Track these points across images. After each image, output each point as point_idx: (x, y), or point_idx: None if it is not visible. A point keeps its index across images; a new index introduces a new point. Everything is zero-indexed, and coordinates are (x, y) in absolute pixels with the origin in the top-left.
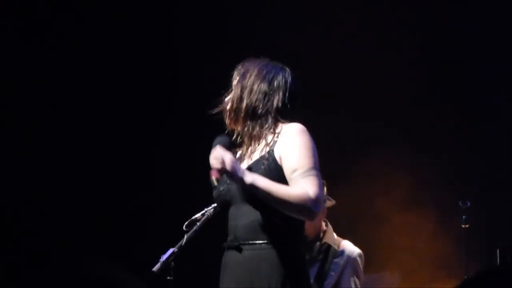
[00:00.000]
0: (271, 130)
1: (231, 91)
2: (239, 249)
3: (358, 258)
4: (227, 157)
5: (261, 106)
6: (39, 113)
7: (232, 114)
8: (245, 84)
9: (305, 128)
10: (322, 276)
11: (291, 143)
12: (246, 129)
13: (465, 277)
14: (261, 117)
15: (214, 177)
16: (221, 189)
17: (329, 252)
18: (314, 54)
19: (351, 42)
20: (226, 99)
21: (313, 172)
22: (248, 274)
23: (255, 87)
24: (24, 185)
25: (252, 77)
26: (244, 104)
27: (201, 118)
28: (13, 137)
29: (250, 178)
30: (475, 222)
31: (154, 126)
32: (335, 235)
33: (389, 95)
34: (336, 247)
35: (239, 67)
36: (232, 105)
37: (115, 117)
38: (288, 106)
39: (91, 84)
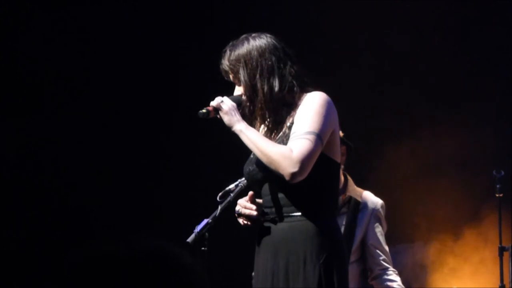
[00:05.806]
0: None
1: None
2: (274, 222)
3: (381, 209)
4: (228, 102)
5: (286, 86)
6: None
7: (269, 105)
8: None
9: (326, 97)
10: (350, 230)
11: (304, 108)
12: (273, 114)
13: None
14: (286, 97)
15: (206, 108)
16: (251, 169)
17: (353, 204)
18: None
19: None
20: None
21: (310, 136)
22: (284, 247)
23: (275, 72)
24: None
25: (263, 64)
26: (276, 93)
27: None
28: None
29: (241, 127)
30: (509, 191)
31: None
32: (355, 187)
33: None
34: (359, 199)
35: (232, 58)
36: (263, 97)
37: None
38: (298, 71)
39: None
